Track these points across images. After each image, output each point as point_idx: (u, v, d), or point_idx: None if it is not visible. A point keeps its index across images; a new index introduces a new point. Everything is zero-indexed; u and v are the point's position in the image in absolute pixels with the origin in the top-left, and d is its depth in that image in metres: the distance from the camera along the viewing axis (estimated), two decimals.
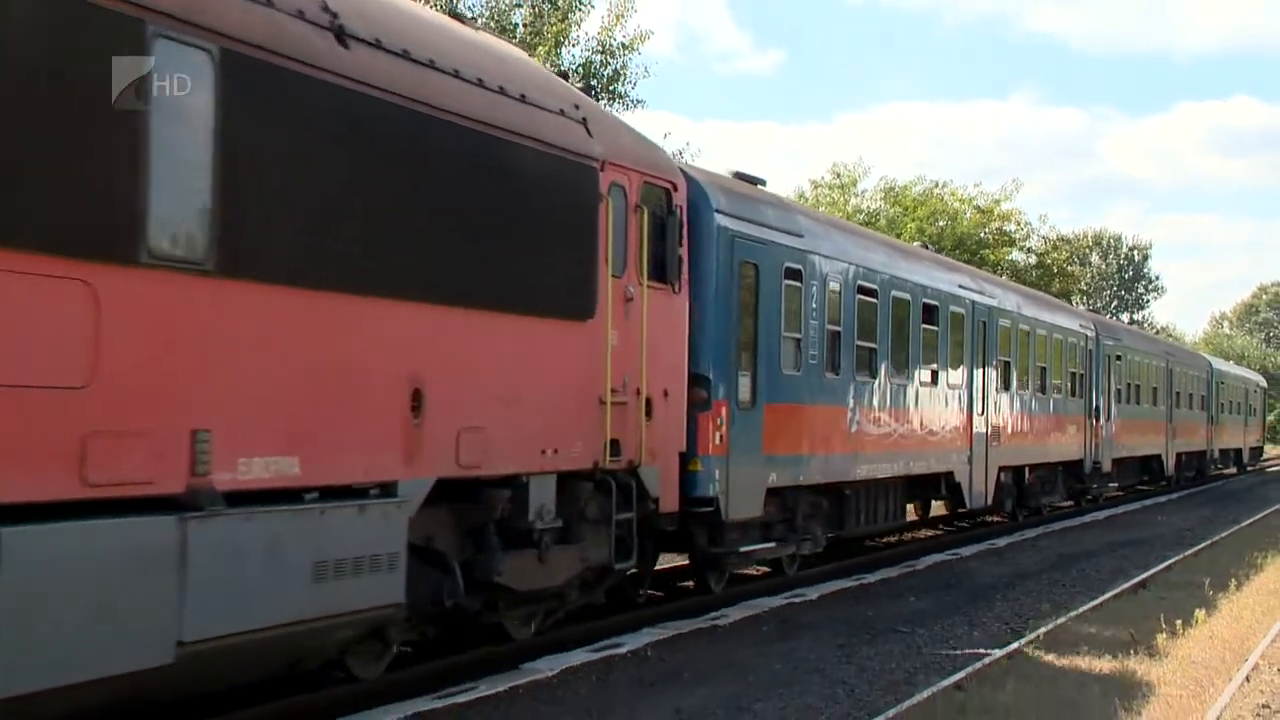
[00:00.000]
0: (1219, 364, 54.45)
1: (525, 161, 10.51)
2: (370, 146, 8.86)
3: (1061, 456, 28.37)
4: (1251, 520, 29.53)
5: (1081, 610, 15.02)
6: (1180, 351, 48.45)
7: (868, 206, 47.10)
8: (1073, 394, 28.97)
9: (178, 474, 7.35)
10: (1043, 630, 13.38)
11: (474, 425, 9.93)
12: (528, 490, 10.65)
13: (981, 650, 12.48)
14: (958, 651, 12.55)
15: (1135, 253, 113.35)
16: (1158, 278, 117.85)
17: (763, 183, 16.63)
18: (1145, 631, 13.23)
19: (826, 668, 11.66)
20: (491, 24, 26.06)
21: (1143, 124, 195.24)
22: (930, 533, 24.67)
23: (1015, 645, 12.59)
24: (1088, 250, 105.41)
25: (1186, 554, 21.62)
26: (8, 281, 6.43)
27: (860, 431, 17.50)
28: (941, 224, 47.03)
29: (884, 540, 22.60)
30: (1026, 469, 26.03)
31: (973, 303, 22.41)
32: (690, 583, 15.83)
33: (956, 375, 21.46)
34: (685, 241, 13.17)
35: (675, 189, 12.97)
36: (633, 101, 28.11)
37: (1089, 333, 30.89)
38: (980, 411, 22.48)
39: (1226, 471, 53.30)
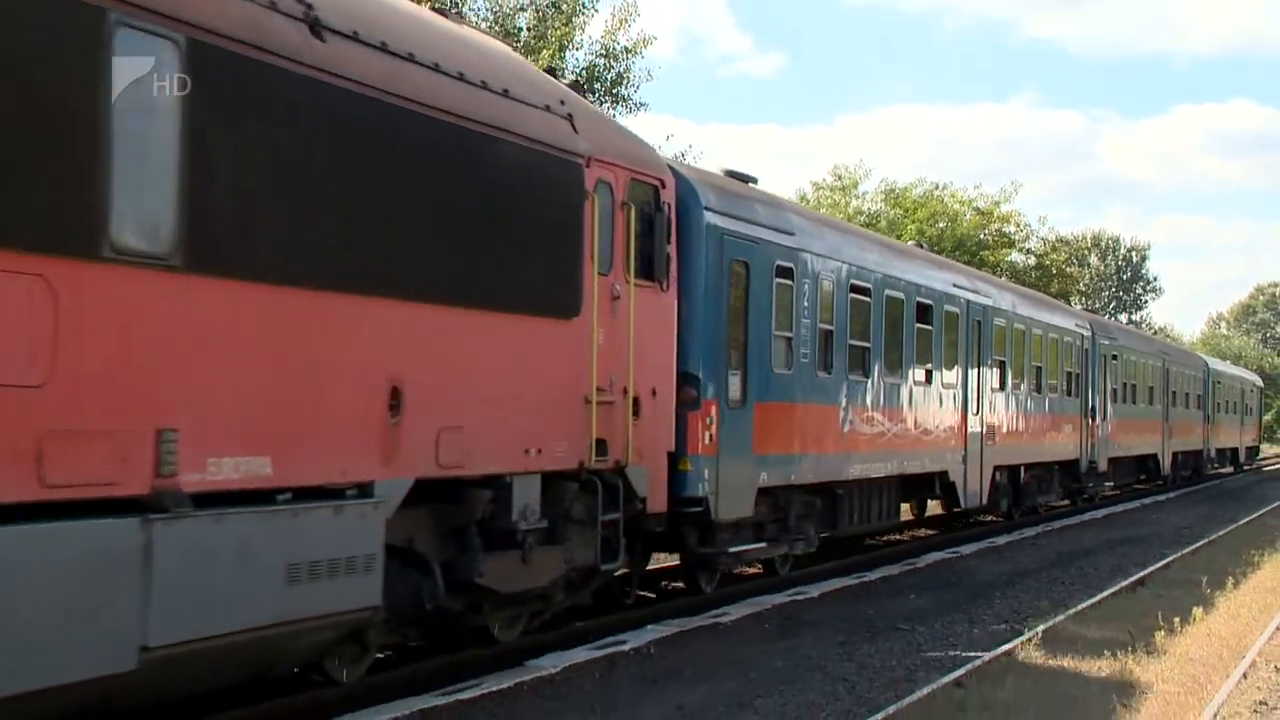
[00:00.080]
0: (1215, 364, 54.17)
1: (508, 157, 10.25)
2: (346, 141, 8.60)
3: (1057, 456, 28.09)
4: (1248, 519, 29.51)
5: (1080, 608, 14.99)
6: (1176, 351, 48.19)
7: (868, 208, 47.05)
8: (1068, 393, 28.69)
9: (142, 475, 7.09)
10: (1042, 628, 13.33)
11: (455, 425, 9.67)
12: (511, 491, 10.39)
13: (981, 647, 12.45)
14: (958, 649, 12.52)
15: (1133, 254, 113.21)
16: (1156, 279, 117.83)
17: (754, 181, 16.37)
18: (1143, 629, 13.20)
19: (828, 665, 11.61)
20: (495, 27, 25.93)
21: (1141, 126, 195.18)
22: (929, 531, 24.43)
23: (1015, 643, 12.55)
24: (1086, 251, 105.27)
25: (1184, 552, 21.59)
26: None
27: (853, 431, 17.23)
28: (941, 225, 46.99)
29: (884, 538, 22.52)
30: (1022, 468, 25.76)
31: (967, 302, 22.13)
32: (681, 583, 15.56)
33: (951, 375, 21.18)
34: (674, 239, 12.91)
35: (663, 186, 12.71)
36: (636, 105, 28.10)
37: (1085, 332, 30.61)
38: (975, 411, 22.21)
39: (1223, 471, 53.06)
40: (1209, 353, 72.86)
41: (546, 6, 26.95)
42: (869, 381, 17.82)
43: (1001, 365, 23.97)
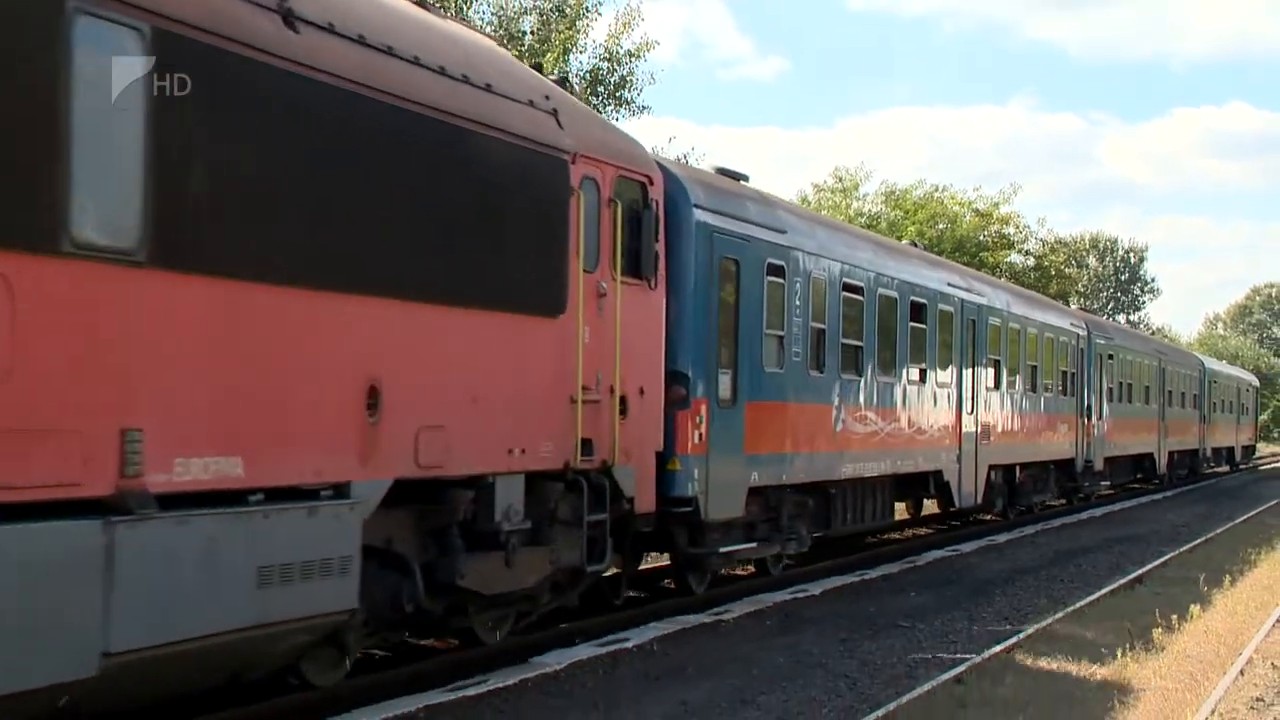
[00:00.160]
0: (1211, 363, 53.88)
1: (490, 152, 9.99)
2: (321, 134, 8.33)
3: (1053, 455, 27.79)
4: (1245, 517, 29.49)
5: (1079, 605, 14.97)
6: (1172, 351, 47.89)
7: (869, 210, 46.96)
8: (1064, 392, 28.41)
9: (105, 475, 6.83)
10: (1041, 625, 13.38)
11: (435, 424, 9.40)
12: (494, 491, 10.13)
13: (981, 644, 12.43)
14: (958, 646, 12.51)
15: (1131, 255, 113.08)
16: (1153, 279, 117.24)
17: (746, 178, 16.10)
18: (1141, 626, 13.20)
19: (829, 662, 11.59)
20: (500, 31, 25.78)
21: (1140, 129, 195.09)
22: (926, 530, 24.20)
23: (1014, 640, 12.57)
24: (1085, 253, 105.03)
25: (1182, 550, 21.55)
26: None
27: (846, 430, 16.96)
28: (941, 227, 46.94)
29: (884, 536, 22.44)
30: (1018, 468, 25.47)
31: (962, 301, 21.86)
32: (672, 584, 15.30)
33: (945, 374, 20.90)
34: (662, 236, 12.64)
35: (651, 183, 12.44)
36: (639, 108, 27.96)
37: (1080, 331, 30.32)
38: (970, 410, 21.94)
39: (1219, 470, 52.80)
40: (1206, 353, 72.54)
41: (550, 10, 26.76)
42: (862, 380, 17.55)
43: (996, 364, 23.69)
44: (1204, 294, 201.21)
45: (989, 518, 25.47)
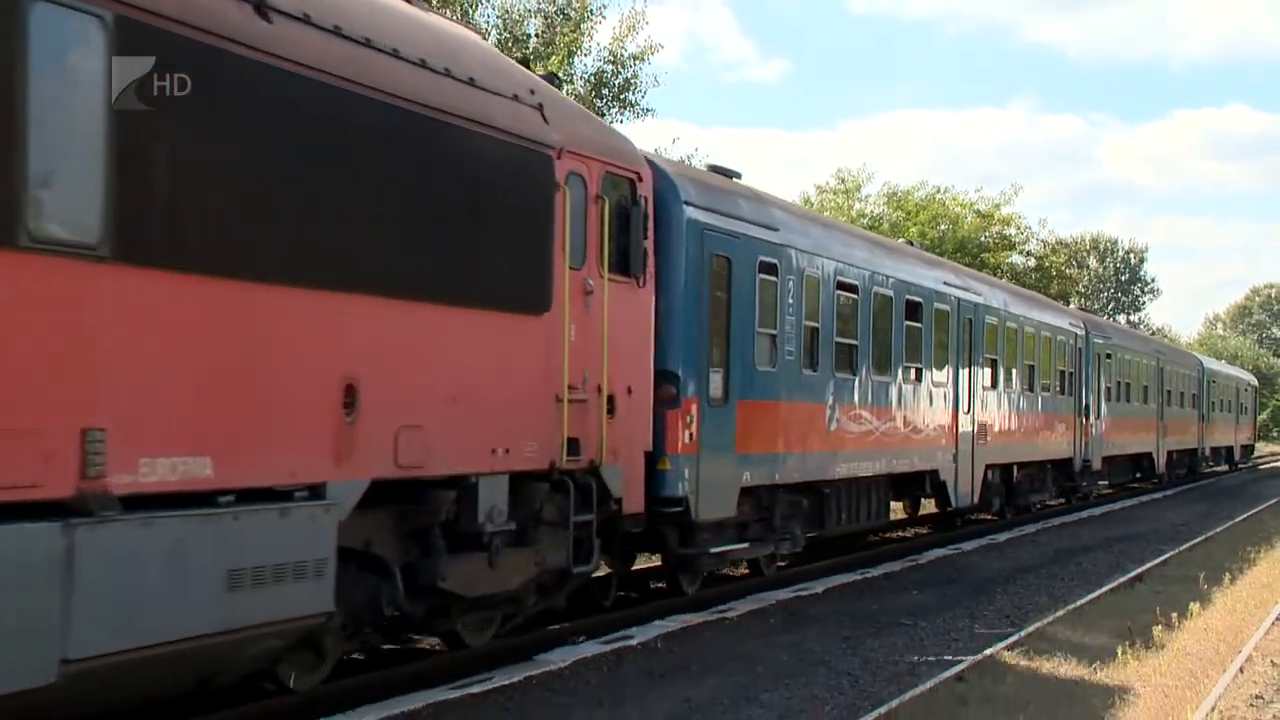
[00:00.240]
0: (1210, 363, 53.57)
1: (473, 147, 9.73)
2: (296, 128, 8.08)
3: (1051, 455, 27.49)
4: (1245, 516, 29.41)
5: (1080, 604, 14.94)
6: (1171, 350, 47.59)
7: (871, 211, 46.82)
8: (1062, 392, 28.11)
9: (65, 476, 6.57)
10: (1042, 623, 13.36)
11: (415, 424, 9.14)
12: (476, 491, 9.86)
13: (983, 642, 12.39)
14: (959, 643, 12.50)
15: (1132, 256, 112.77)
16: (1153, 280, 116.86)
17: (738, 176, 15.83)
18: (1142, 624, 13.16)
19: (832, 659, 11.54)
20: (505, 34, 25.61)
21: (1140, 130, 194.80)
22: (922, 530, 24.02)
23: (1015, 637, 12.54)
24: (1085, 253, 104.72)
25: (1181, 549, 21.47)
26: None
27: (840, 429, 16.68)
28: (943, 228, 46.92)
29: (886, 535, 22.37)
30: (1015, 467, 25.18)
31: (958, 300, 21.57)
32: (664, 585, 15.04)
33: (941, 373, 20.62)
34: (651, 233, 12.37)
35: (640, 179, 12.17)
36: (642, 110, 27.82)
37: (1079, 331, 30.02)
38: (966, 410, 21.66)
39: (1218, 469, 52.53)
40: (1206, 353, 72.23)
41: (555, 13, 26.59)
42: (857, 380, 17.28)
43: (993, 364, 23.40)
44: (1204, 294, 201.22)
45: (987, 517, 25.21)
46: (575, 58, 26.76)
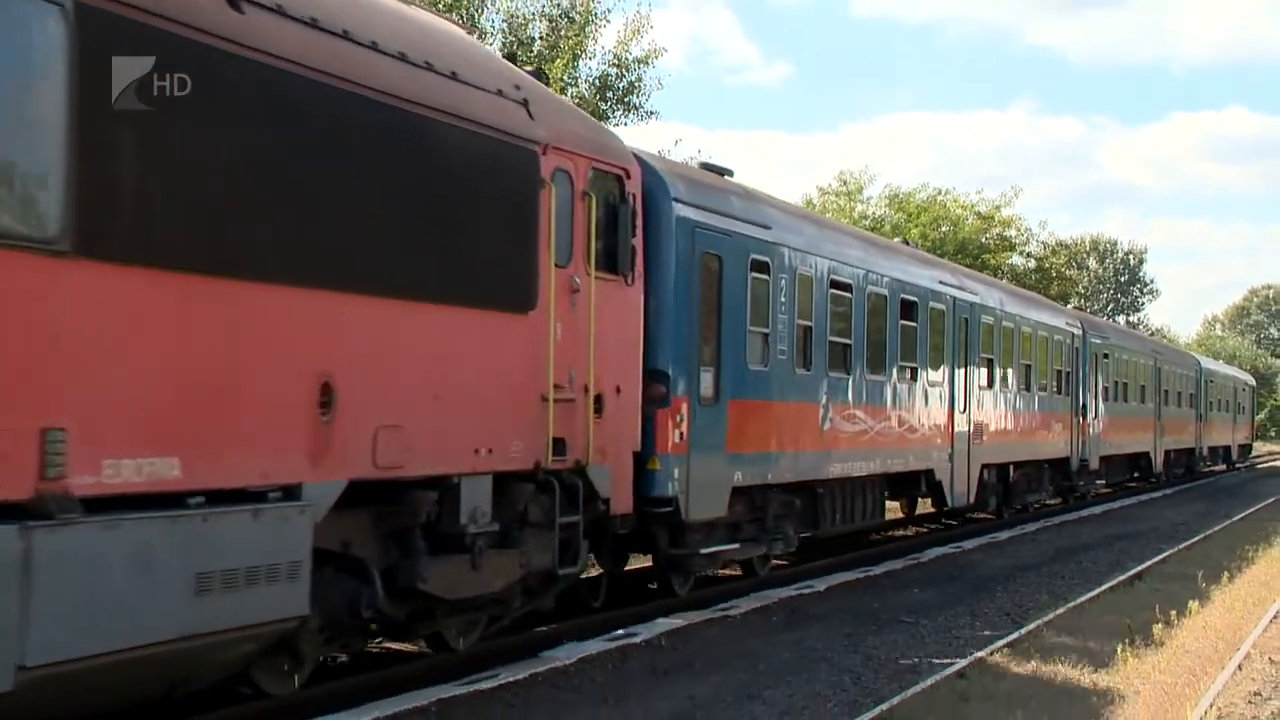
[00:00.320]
0: (1207, 363, 53.26)
1: (454, 142, 9.46)
2: (269, 121, 7.81)
3: (1047, 454, 27.20)
4: (1243, 514, 29.31)
5: (1080, 601, 14.95)
6: (1168, 350, 47.28)
7: (873, 213, 46.67)
8: (1059, 391, 27.83)
9: (23, 478, 6.30)
10: (1043, 620, 13.36)
11: (394, 423, 8.88)
12: (459, 492, 9.59)
13: (983, 640, 12.41)
14: (961, 641, 12.49)
15: (1131, 257, 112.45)
16: (1153, 281, 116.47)
17: (730, 173, 15.56)
18: (1141, 622, 13.14)
19: (834, 656, 11.54)
20: (510, 37, 25.49)
21: (1139, 133, 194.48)
22: (918, 530, 23.79)
23: (1016, 635, 12.55)
24: (1085, 255, 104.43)
25: (1180, 547, 21.43)
26: None
27: (834, 429, 16.41)
28: (944, 229, 46.80)
29: (889, 534, 22.26)
30: (1011, 467, 24.90)
31: (954, 299, 21.29)
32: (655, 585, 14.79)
33: (937, 372, 20.35)
34: (640, 231, 12.10)
35: (628, 176, 11.91)
36: (647, 113, 27.65)
37: (1075, 330, 29.73)
38: (962, 409, 21.38)
39: (1216, 469, 52.24)
40: (1204, 353, 71.92)
41: (559, 16, 26.43)
42: (851, 379, 17.00)
43: (989, 363, 23.13)
44: (1204, 295, 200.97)
45: (984, 516, 24.93)
46: (580, 61, 26.67)
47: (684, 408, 12.93)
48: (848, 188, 47.82)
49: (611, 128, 25.28)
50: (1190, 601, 14.51)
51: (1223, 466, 53.73)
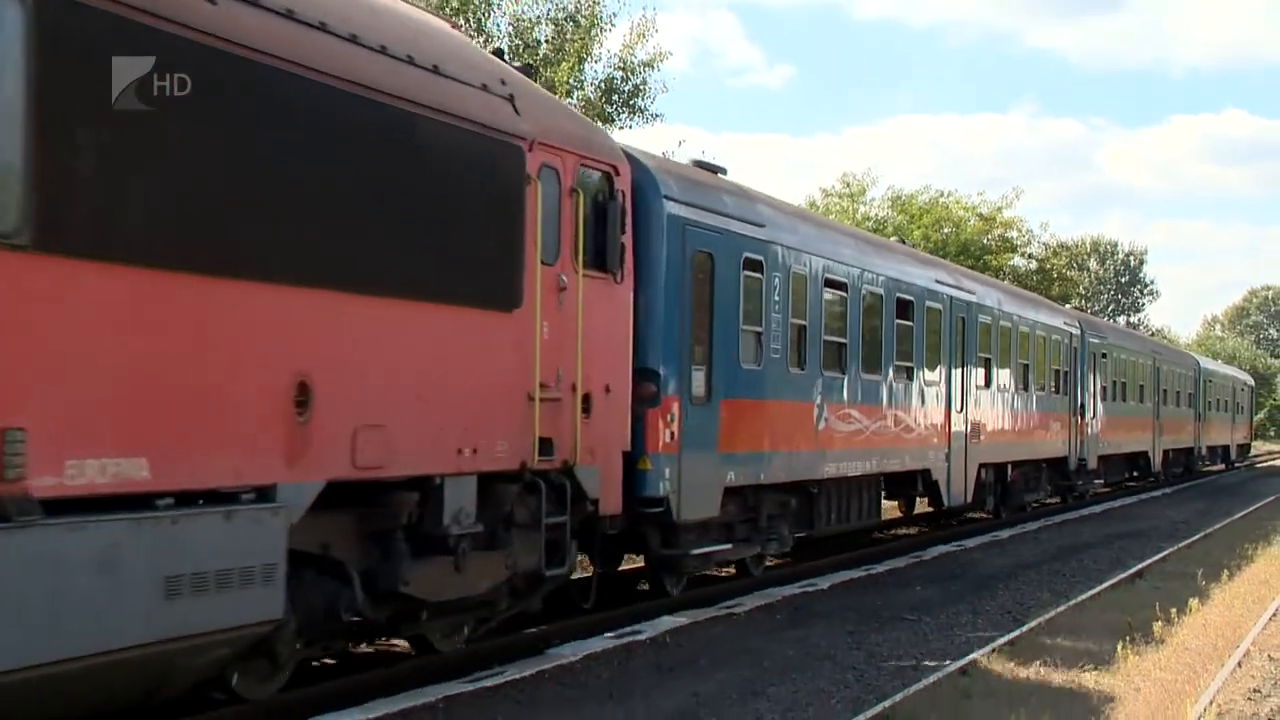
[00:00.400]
0: (1206, 363, 52.93)
1: (437, 137, 9.21)
2: (241, 114, 7.55)
3: (1045, 454, 26.89)
4: (1243, 513, 29.17)
5: (1081, 599, 14.93)
6: (1167, 350, 46.96)
7: (876, 214, 46.45)
8: (1057, 391, 27.52)
9: None
10: (1044, 618, 13.35)
11: (374, 423, 8.62)
12: (442, 493, 9.34)
13: (985, 637, 12.37)
14: (963, 638, 12.48)
15: (1132, 258, 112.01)
16: (1153, 282, 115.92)
17: (723, 171, 15.30)
18: (1141, 619, 13.10)
19: (837, 654, 11.55)
20: (516, 41, 25.32)
21: (1139, 135, 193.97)
22: (915, 529, 23.54)
23: (1017, 632, 12.53)
24: (1086, 256, 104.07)
25: (1181, 545, 21.34)
26: None
27: (829, 428, 16.13)
28: (946, 231, 46.49)
29: (892, 532, 22.20)
30: (1009, 466, 24.61)
31: (950, 298, 21.00)
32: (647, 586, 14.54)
33: (933, 372, 20.06)
34: (629, 228, 11.84)
35: (617, 173, 11.64)
36: (651, 116, 27.49)
37: (1074, 330, 29.43)
38: (959, 409, 21.10)
39: (1215, 468, 51.93)
40: (1205, 354, 71.56)
41: (565, 20, 26.25)
42: (846, 378, 16.73)
43: (987, 363, 22.84)
44: (1203, 296, 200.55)
45: (981, 516, 24.66)
46: (586, 64, 26.45)
47: (675, 407, 12.67)
48: (850, 190, 47.55)
49: (617, 130, 25.23)
50: (1190, 599, 14.46)
51: (1222, 466, 53.42)
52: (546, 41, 26.46)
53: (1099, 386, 31.02)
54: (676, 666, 10.69)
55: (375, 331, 8.65)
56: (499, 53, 12.09)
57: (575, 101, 25.33)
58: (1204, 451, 48.10)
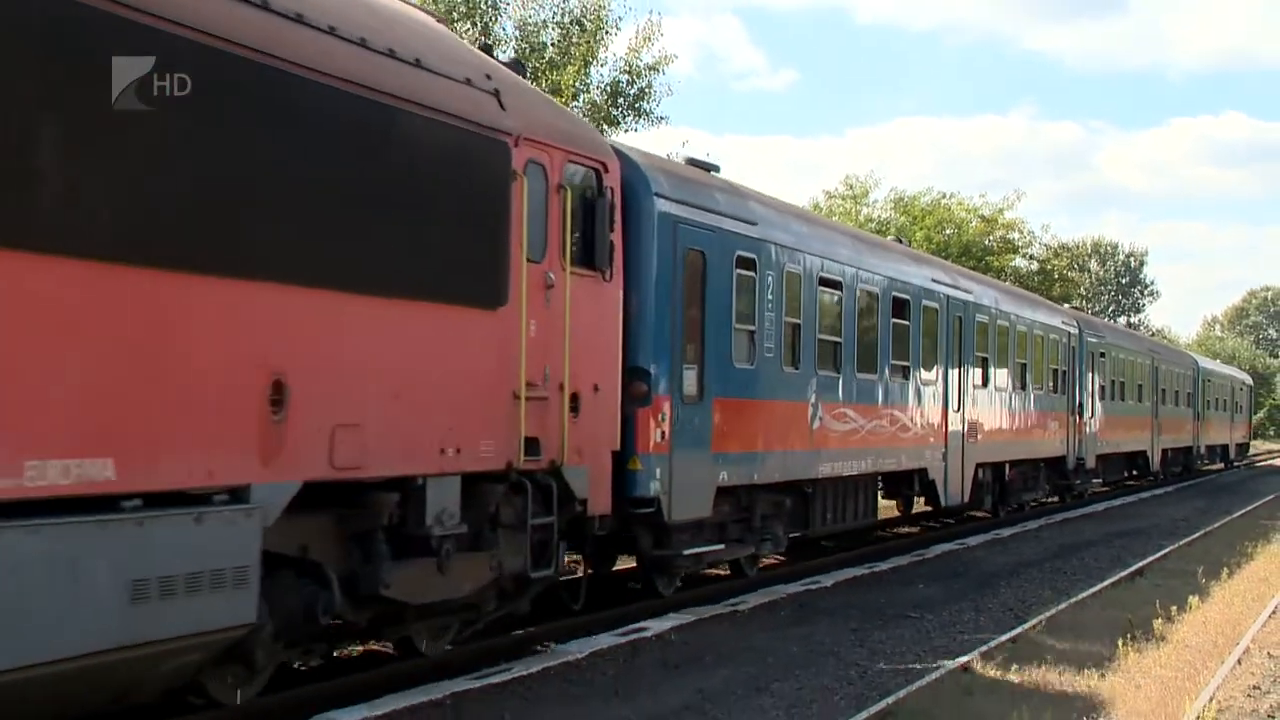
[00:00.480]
0: (1205, 362, 52.58)
1: (418, 132, 8.94)
2: (210, 106, 7.27)
3: (1043, 453, 26.59)
4: (1242, 512, 29.05)
5: (1082, 597, 14.91)
6: (1165, 350, 46.62)
7: (878, 216, 46.23)
8: (1055, 390, 27.22)
9: None
10: (1045, 616, 13.32)
11: (353, 422, 8.35)
12: (424, 493, 9.07)
13: (988, 634, 12.37)
14: (965, 635, 12.45)
15: (1132, 259, 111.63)
16: (1153, 283, 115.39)
17: (717, 169, 15.02)
18: (1142, 617, 13.09)
19: (841, 651, 11.55)
20: (522, 45, 25.13)
21: (1138, 137, 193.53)
22: (913, 529, 23.23)
23: (1019, 629, 12.55)
24: (1086, 257, 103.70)
25: (1181, 544, 21.31)
26: None
27: (824, 428, 15.86)
28: (948, 232, 46.30)
29: (894, 530, 22.16)
30: (1007, 466, 24.32)
31: (947, 297, 20.72)
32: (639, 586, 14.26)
33: (930, 371, 19.78)
34: (618, 226, 11.56)
35: (606, 170, 11.37)
36: (657, 118, 27.38)
37: (1072, 329, 29.13)
38: (956, 408, 20.81)
39: (1214, 467, 51.59)
40: (1204, 354, 71.21)
41: (571, 24, 26.07)
42: (841, 378, 16.45)
43: (984, 362, 22.55)
44: (1203, 296, 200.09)
45: (979, 515, 24.38)
46: (592, 67, 26.38)
47: (666, 406, 12.41)
48: (853, 191, 47.43)
49: (623, 133, 25.04)
50: (1190, 597, 14.43)
51: (1221, 465, 53.09)
52: (553, 45, 26.33)
53: (1097, 386, 30.72)
54: (682, 663, 10.66)
55: (353, 329, 8.38)
56: (487, 49, 11.82)
57: (581, 105, 25.12)
58: (1203, 450, 47.78)
